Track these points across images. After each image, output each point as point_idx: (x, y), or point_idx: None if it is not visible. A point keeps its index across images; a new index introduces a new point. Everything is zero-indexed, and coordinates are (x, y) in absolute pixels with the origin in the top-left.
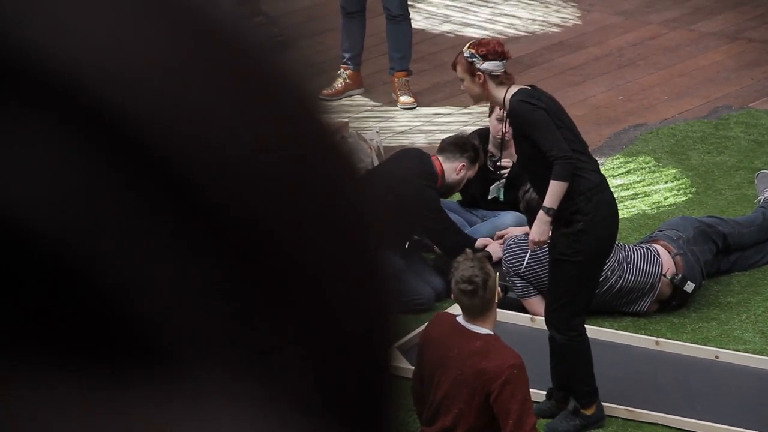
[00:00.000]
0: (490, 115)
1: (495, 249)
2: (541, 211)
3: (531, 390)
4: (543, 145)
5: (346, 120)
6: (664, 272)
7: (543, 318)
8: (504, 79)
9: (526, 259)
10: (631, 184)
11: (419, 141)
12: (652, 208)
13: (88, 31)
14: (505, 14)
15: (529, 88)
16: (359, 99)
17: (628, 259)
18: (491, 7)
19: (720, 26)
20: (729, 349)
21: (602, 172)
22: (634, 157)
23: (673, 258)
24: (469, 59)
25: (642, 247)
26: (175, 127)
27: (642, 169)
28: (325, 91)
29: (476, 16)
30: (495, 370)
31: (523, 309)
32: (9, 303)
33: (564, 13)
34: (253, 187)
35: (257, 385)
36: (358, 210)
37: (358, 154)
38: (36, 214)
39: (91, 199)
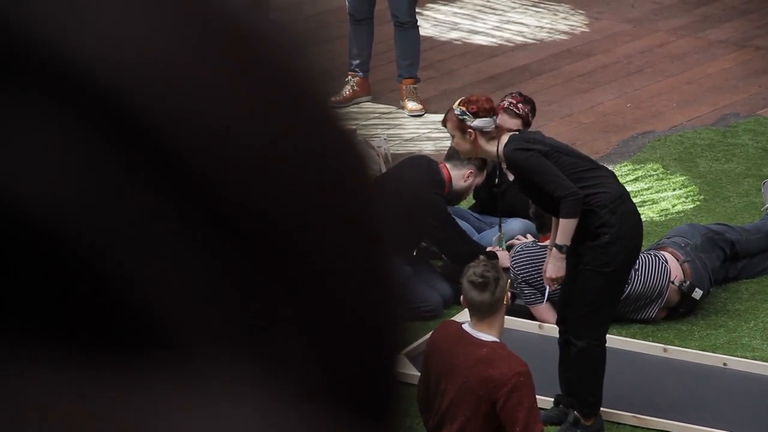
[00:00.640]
0: None
1: (503, 256)
2: (554, 248)
3: (538, 397)
4: (546, 187)
5: (354, 127)
6: (672, 279)
7: (551, 325)
8: (495, 134)
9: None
10: (639, 191)
11: (427, 148)
12: (660, 216)
13: (102, 22)
14: (513, 22)
15: (518, 132)
16: (367, 106)
17: (636, 267)
18: (499, 15)
19: (728, 34)
20: (737, 357)
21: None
22: (642, 165)
23: (681, 265)
24: (460, 117)
25: (650, 254)
26: (187, 118)
27: (650, 176)
28: (333, 98)
29: (484, 23)
30: (501, 378)
31: (531, 316)
32: (18, 290)
33: (572, 20)
34: (264, 179)
35: (263, 373)
36: (369, 208)
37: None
38: (45, 200)
39: (100, 185)
